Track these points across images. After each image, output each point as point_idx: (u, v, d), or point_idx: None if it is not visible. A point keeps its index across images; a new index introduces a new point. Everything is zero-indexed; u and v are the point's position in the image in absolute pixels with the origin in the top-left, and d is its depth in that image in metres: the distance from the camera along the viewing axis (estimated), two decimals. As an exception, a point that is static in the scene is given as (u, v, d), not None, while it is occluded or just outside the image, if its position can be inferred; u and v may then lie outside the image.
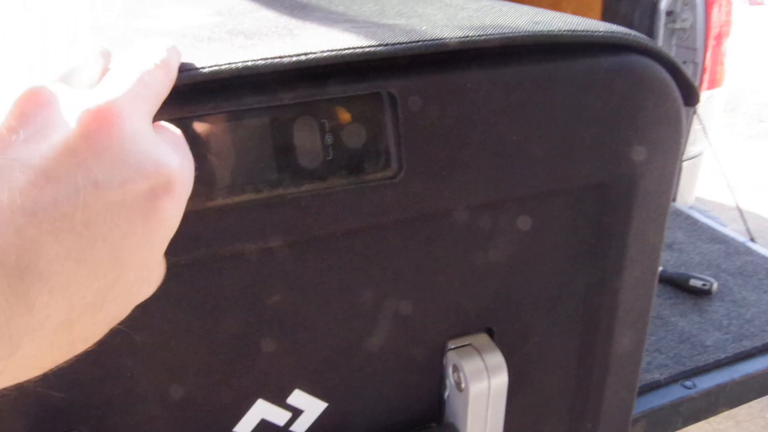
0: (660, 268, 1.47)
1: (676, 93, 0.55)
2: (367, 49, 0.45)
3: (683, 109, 0.56)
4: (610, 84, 0.52)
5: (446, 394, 0.57)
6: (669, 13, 1.76)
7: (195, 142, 0.43)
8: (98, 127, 0.31)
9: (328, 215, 0.47)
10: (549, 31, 0.50)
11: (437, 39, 0.47)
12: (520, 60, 0.50)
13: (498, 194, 0.51)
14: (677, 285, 1.43)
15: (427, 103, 0.47)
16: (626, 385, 0.65)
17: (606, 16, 1.98)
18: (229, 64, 0.42)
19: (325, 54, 0.44)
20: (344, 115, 0.47)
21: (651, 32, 1.81)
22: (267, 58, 0.43)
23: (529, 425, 0.64)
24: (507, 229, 0.53)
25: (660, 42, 1.78)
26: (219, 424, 0.51)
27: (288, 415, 0.53)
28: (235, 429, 0.52)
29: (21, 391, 0.46)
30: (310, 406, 0.53)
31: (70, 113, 0.31)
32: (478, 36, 0.47)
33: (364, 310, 0.52)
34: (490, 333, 0.57)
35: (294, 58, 0.44)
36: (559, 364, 0.62)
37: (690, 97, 0.57)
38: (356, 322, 0.52)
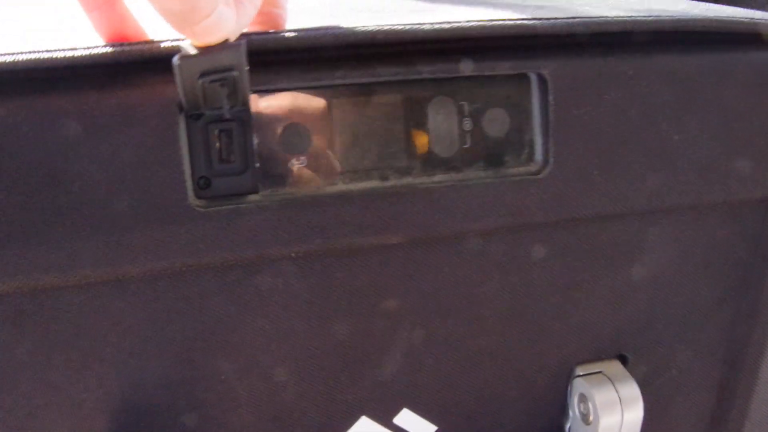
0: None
1: None
2: (518, 23, 0.39)
3: None
4: None
5: (568, 426, 0.50)
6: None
7: (316, 117, 0.38)
8: None
9: (461, 211, 0.40)
10: (727, 17, 0.43)
11: (599, 17, 0.40)
12: (689, 49, 0.43)
13: (652, 202, 0.44)
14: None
15: (582, 89, 0.41)
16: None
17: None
18: (361, 27, 0.37)
19: (470, 24, 0.38)
20: (486, 98, 0.41)
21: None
22: (405, 24, 0.38)
23: None
24: (654, 244, 0.46)
25: None
26: None
27: (393, 436, 0.47)
28: (334, 447, 0.46)
29: (106, 390, 0.41)
30: (419, 428, 0.47)
31: None
32: (647, 17, 0.41)
33: (489, 324, 0.45)
34: (623, 360, 0.50)
35: (435, 26, 0.38)
36: (697, 400, 0.55)
37: None
38: (479, 338, 0.45)
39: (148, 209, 0.36)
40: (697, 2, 0.52)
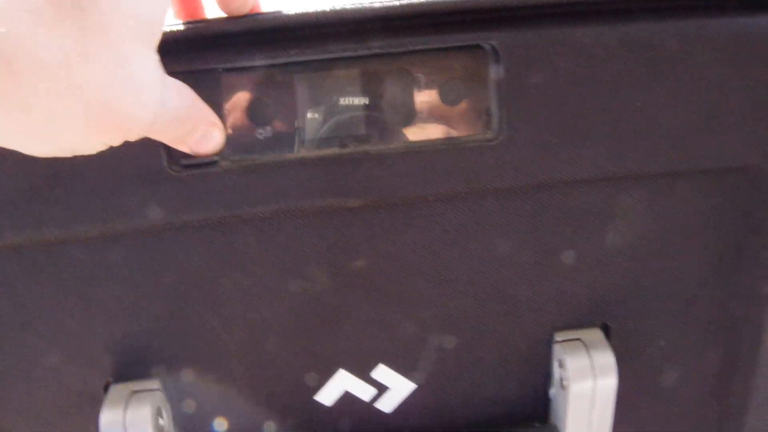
0: None
1: None
2: None
3: None
4: None
5: (552, 391, 0.52)
6: None
7: (277, 92, 0.42)
8: None
9: (418, 176, 0.43)
10: None
11: None
12: (655, 16, 0.43)
13: (618, 169, 0.44)
14: None
15: (535, 59, 0.42)
16: None
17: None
18: (316, 9, 0.40)
19: (420, 1, 0.41)
20: (442, 69, 0.43)
21: None
22: (357, 4, 0.41)
23: None
24: (627, 212, 0.47)
25: None
26: (300, 391, 0.50)
27: (373, 390, 0.50)
28: (316, 397, 0.50)
29: (108, 334, 0.47)
30: (397, 385, 0.50)
31: None
32: None
33: (460, 287, 0.47)
34: (606, 330, 0.50)
35: (386, 4, 0.41)
36: (695, 376, 0.54)
37: None
38: (451, 301, 0.48)
39: (130, 174, 0.41)
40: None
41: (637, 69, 0.43)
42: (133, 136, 0.34)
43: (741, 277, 0.50)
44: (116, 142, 0.33)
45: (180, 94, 0.35)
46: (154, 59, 0.33)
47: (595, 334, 0.50)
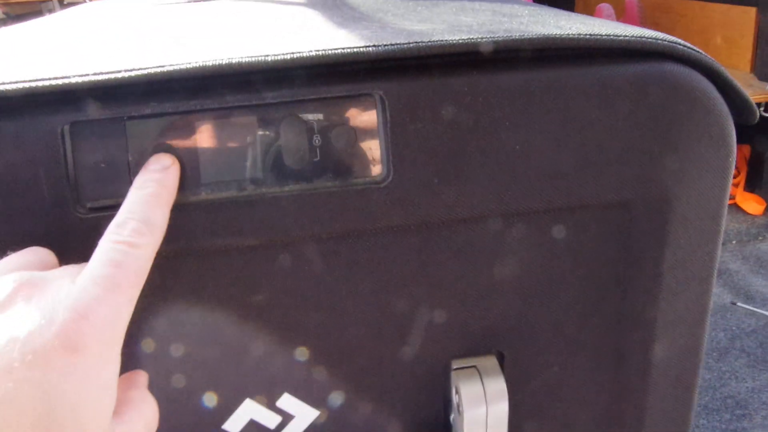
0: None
1: (721, 105, 0.49)
2: (354, 50, 0.44)
3: (731, 124, 0.50)
4: (636, 93, 0.47)
5: (452, 417, 0.54)
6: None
7: (180, 138, 0.45)
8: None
9: (310, 217, 0.46)
10: (563, 34, 0.46)
11: (430, 42, 0.45)
12: (530, 66, 0.47)
13: (499, 208, 0.48)
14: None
15: (418, 106, 0.45)
16: None
17: (759, 44, 1.84)
18: (213, 60, 0.43)
19: (311, 54, 0.44)
20: (333, 116, 0.46)
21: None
22: (252, 57, 0.44)
23: None
24: (514, 245, 0.50)
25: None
26: (207, 420, 0.52)
27: (278, 418, 0.53)
28: (224, 427, 0.52)
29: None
30: (301, 413, 0.53)
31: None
32: (472, 39, 0.45)
33: (355, 318, 0.50)
34: (501, 358, 0.53)
35: (279, 57, 0.44)
36: (589, 400, 0.57)
37: (744, 112, 0.51)
38: (347, 330, 0.51)
39: (40, 218, 0.44)
40: (581, 19, 0.56)
41: (513, 114, 0.46)
42: None
43: (625, 305, 0.53)
44: None
45: None
46: None
47: (490, 362, 0.53)
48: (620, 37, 0.47)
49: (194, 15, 0.72)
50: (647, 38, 0.47)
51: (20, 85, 0.42)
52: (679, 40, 0.48)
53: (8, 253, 0.42)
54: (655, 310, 0.53)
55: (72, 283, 0.37)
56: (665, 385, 0.56)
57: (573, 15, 0.61)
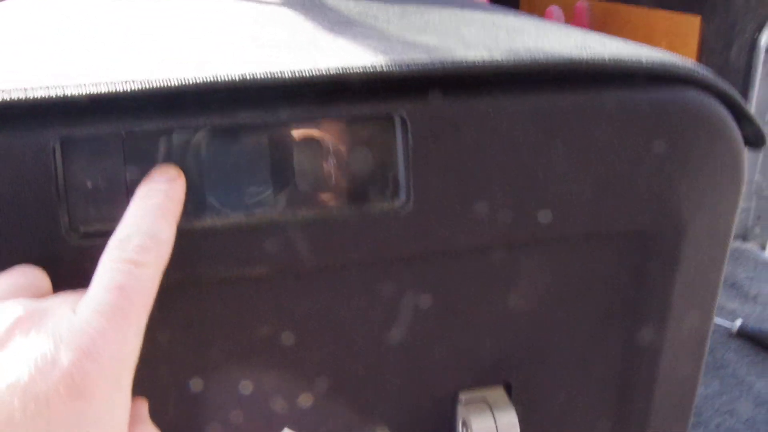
0: (739, 322, 1.36)
1: (737, 133, 0.48)
2: (377, 68, 0.41)
3: (744, 152, 0.49)
4: (657, 120, 0.46)
5: (457, 449, 0.52)
6: (770, 50, 1.64)
7: (184, 157, 0.41)
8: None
9: (325, 245, 0.43)
10: (588, 57, 0.45)
11: (456, 61, 0.42)
12: (554, 88, 0.45)
13: (519, 235, 0.46)
14: (758, 342, 1.32)
15: (441, 129, 0.43)
16: None
17: (702, 53, 1.88)
18: (225, 75, 0.39)
19: (331, 71, 0.41)
20: (350, 138, 0.43)
21: (749, 69, 1.70)
22: (267, 72, 0.40)
23: None
24: (531, 274, 0.48)
25: (758, 80, 1.66)
26: None
27: (279, 454, 0.49)
28: (220, 464, 0.49)
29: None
30: (302, 449, 0.50)
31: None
32: (501, 59, 0.43)
33: (362, 348, 0.47)
34: (508, 387, 0.52)
35: (296, 74, 0.40)
36: (593, 426, 0.56)
37: (755, 138, 0.51)
38: (356, 364, 0.48)
39: (33, 244, 0.39)
40: (596, 37, 0.54)
41: (536, 138, 0.44)
42: None
43: (632, 331, 0.52)
44: None
45: None
46: None
47: (498, 393, 0.51)
48: (645, 62, 0.45)
49: (175, 11, 0.67)
50: (671, 63, 0.46)
51: (4, 96, 0.37)
52: (700, 66, 0.47)
53: None
54: (661, 338, 0.52)
55: (73, 314, 0.33)
56: (667, 409, 0.56)
57: (572, 29, 0.60)
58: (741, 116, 0.49)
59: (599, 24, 2.00)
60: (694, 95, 0.46)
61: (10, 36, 0.56)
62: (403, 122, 0.42)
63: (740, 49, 1.72)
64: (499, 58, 0.43)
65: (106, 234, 0.40)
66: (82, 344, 0.32)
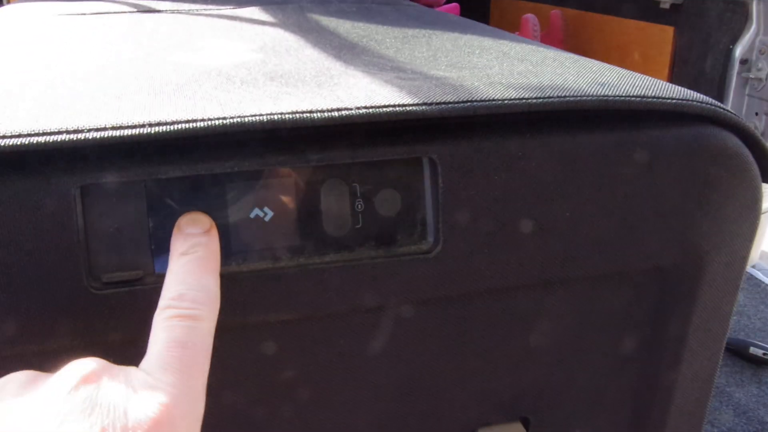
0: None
1: (756, 170, 0.48)
2: (408, 109, 0.40)
3: (761, 189, 0.50)
4: (681, 158, 0.46)
5: (476, 486, 0.52)
6: (743, 62, 1.67)
7: (209, 202, 0.40)
8: None
9: (353, 290, 0.42)
10: (615, 96, 0.44)
11: (488, 100, 0.42)
12: (579, 127, 0.44)
13: (544, 275, 0.45)
14: (735, 352, 1.34)
15: (471, 171, 0.42)
16: None
17: (676, 63, 1.91)
18: (252, 116, 0.38)
19: (360, 112, 0.40)
20: (378, 180, 0.42)
21: (723, 81, 1.73)
22: (295, 112, 0.39)
23: None
24: (551, 312, 0.48)
25: (732, 92, 1.69)
26: None
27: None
28: None
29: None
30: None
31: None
32: (534, 99, 0.42)
33: (386, 391, 0.47)
34: (526, 423, 0.51)
35: (326, 114, 0.39)
36: None
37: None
38: (376, 404, 0.47)
39: (54, 294, 0.38)
40: (609, 70, 0.54)
41: (564, 180, 0.44)
42: None
43: (647, 368, 0.52)
44: None
45: None
46: None
47: (517, 429, 0.50)
48: (669, 100, 0.45)
49: (175, 34, 0.66)
50: (694, 102, 0.46)
51: (23, 140, 0.35)
52: (720, 104, 0.48)
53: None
54: (676, 373, 0.53)
55: (141, 372, 0.32)
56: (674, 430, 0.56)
57: (580, 58, 0.60)
58: (758, 152, 0.49)
59: (573, 32, 2.01)
60: (716, 132, 0.46)
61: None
62: (432, 164, 0.42)
63: (714, 60, 1.74)
64: (530, 99, 0.42)
65: (128, 283, 0.39)
66: (159, 400, 0.30)
